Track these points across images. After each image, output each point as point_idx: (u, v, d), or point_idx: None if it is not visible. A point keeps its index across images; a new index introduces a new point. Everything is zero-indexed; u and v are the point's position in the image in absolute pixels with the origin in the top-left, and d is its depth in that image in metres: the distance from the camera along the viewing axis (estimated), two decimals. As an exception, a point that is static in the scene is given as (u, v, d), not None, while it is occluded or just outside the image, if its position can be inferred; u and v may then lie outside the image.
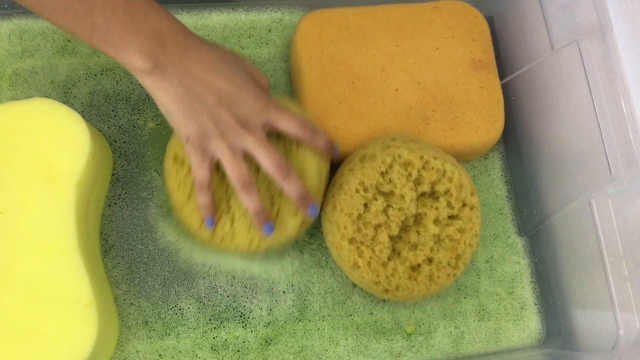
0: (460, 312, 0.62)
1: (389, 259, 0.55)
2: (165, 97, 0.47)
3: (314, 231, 0.62)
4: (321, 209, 0.58)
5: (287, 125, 0.51)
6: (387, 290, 0.55)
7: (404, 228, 0.56)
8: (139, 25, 0.44)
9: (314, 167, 0.55)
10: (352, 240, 0.54)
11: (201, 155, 0.50)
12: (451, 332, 0.61)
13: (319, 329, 0.59)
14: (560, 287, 0.63)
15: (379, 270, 0.54)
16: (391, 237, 0.55)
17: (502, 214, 0.66)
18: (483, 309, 0.62)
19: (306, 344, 0.59)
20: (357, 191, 0.55)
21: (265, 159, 0.50)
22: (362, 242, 0.54)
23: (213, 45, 0.50)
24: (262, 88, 0.53)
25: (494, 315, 0.62)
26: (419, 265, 0.55)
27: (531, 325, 0.63)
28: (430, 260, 0.56)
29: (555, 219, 0.63)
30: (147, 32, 0.45)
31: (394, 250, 0.56)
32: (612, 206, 0.56)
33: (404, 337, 0.60)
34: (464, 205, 0.57)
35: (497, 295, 0.63)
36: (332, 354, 0.59)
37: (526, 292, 0.64)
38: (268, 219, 0.52)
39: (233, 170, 0.50)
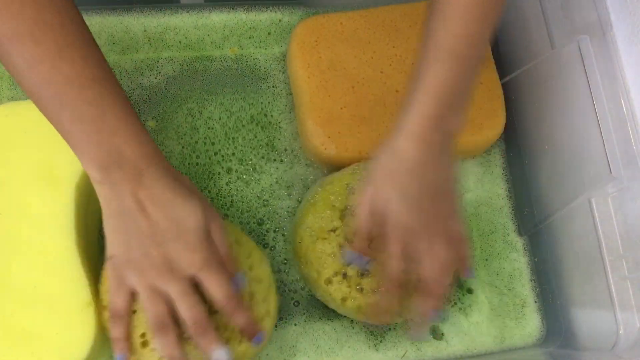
0: (463, 310, 0.62)
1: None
2: (107, 207, 0.45)
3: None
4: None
5: (213, 290, 0.46)
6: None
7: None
8: (102, 140, 0.43)
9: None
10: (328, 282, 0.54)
11: (118, 282, 0.46)
12: (455, 332, 0.61)
13: (334, 329, 0.59)
14: (560, 286, 0.63)
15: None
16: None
17: (502, 212, 0.66)
18: (486, 308, 0.62)
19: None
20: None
21: (186, 312, 0.45)
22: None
23: (178, 185, 0.46)
24: (214, 239, 0.48)
25: (496, 315, 0.62)
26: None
27: (532, 323, 0.63)
28: None
29: (555, 218, 0.63)
30: (108, 149, 0.43)
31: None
32: (612, 206, 0.56)
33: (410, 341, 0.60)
34: None
35: (497, 294, 0.63)
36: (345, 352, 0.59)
37: (526, 290, 0.64)
38: None
39: (150, 307, 0.45)
